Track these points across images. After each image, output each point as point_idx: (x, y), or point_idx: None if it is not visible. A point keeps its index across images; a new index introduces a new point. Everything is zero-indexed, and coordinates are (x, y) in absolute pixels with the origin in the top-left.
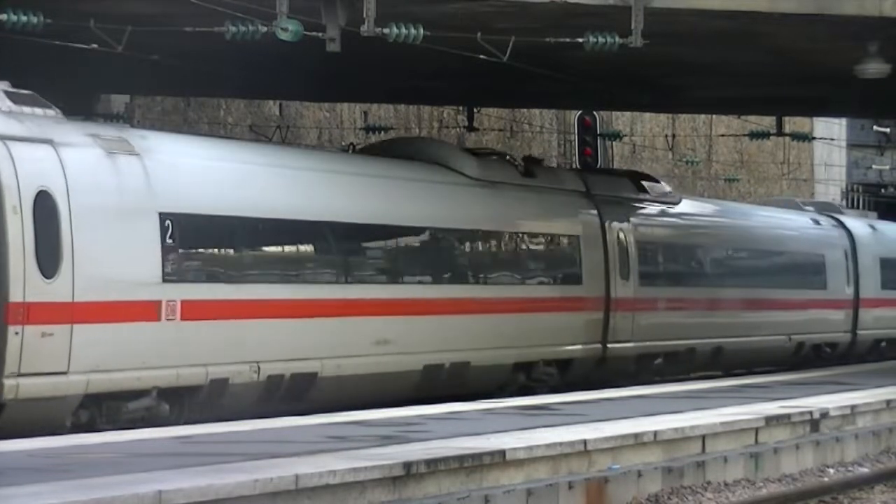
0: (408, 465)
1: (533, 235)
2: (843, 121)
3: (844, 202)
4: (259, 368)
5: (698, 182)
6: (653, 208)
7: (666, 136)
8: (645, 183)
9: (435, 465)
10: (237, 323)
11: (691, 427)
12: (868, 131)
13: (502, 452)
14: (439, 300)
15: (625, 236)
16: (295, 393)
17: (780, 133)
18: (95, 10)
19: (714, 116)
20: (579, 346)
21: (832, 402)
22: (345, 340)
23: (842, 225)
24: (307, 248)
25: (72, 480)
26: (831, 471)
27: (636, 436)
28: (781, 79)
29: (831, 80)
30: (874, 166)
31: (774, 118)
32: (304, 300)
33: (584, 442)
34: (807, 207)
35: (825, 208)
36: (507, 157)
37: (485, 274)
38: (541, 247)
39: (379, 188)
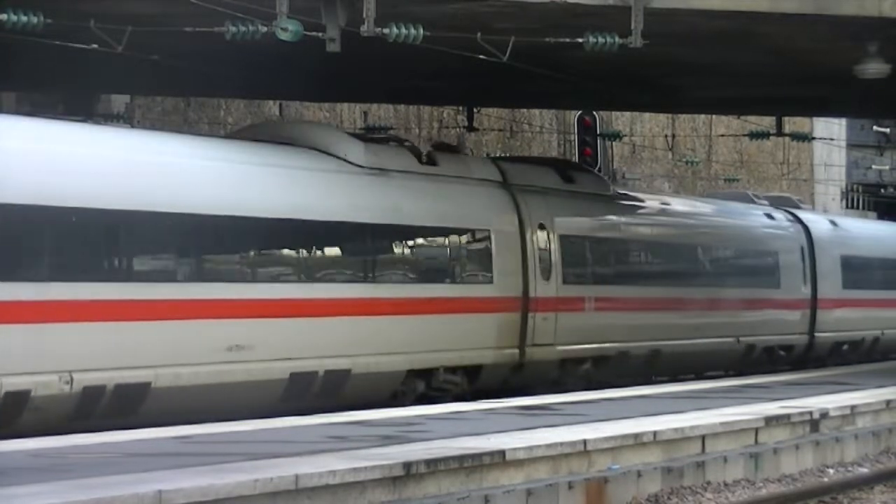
0: (408, 465)
1: (431, 229)
2: (843, 121)
3: (844, 202)
4: (72, 378)
5: (698, 182)
6: (581, 200)
7: (666, 136)
8: (573, 172)
9: (435, 465)
10: (41, 327)
11: (691, 427)
12: (868, 131)
13: (502, 452)
14: (311, 300)
15: (547, 230)
16: (122, 406)
17: (779, 133)
18: (95, 10)
19: (714, 116)
20: (490, 351)
21: (832, 402)
22: (186, 346)
23: (798, 220)
24: (138, 241)
25: (72, 480)
26: (831, 471)
27: (636, 436)
28: (781, 79)
29: (831, 80)
30: (874, 166)
31: (774, 118)
32: (132, 301)
33: (584, 442)
34: (761, 201)
35: (781, 202)
36: (406, 143)
37: (370, 271)
38: (441, 242)
39: (235, 175)
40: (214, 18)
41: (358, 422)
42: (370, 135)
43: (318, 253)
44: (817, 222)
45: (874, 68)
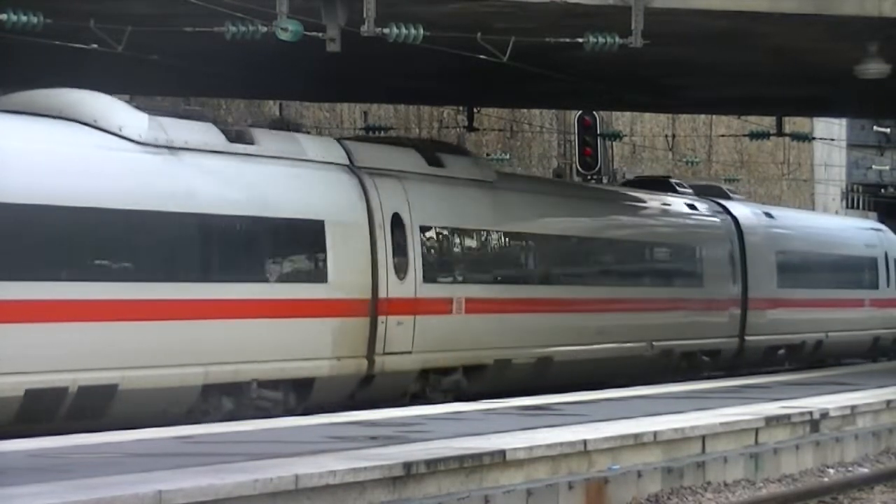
0: (408, 466)
1: (238, 219)
2: (843, 121)
3: (844, 202)
4: None
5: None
6: (451, 186)
7: (666, 136)
8: (442, 155)
9: (435, 466)
10: None
11: (691, 427)
12: (868, 131)
13: (502, 452)
14: (65, 302)
15: (404, 221)
16: None
17: (780, 133)
18: (95, 10)
19: (714, 116)
20: (325, 362)
21: (832, 402)
22: None
23: (726, 211)
24: None
25: (72, 480)
26: (831, 471)
27: (636, 436)
28: (781, 79)
29: (831, 80)
30: (874, 166)
31: (774, 118)
32: None
33: (584, 442)
34: (684, 189)
35: (709, 191)
36: (214, 119)
37: (148, 268)
38: (252, 235)
39: None
40: (214, 18)
41: (358, 422)
42: (180, 108)
43: (81, 247)
44: (749, 214)
45: (874, 68)
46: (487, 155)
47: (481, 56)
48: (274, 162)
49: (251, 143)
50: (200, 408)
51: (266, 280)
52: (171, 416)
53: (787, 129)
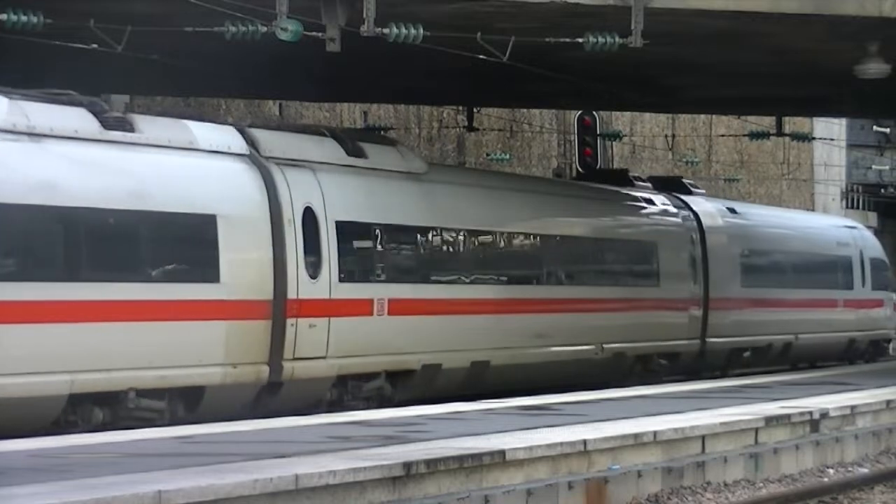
0: (408, 466)
1: (114, 213)
2: (843, 121)
3: (844, 202)
4: None
5: (698, 182)
6: (373, 178)
7: (666, 136)
8: (364, 145)
9: (435, 466)
10: None
11: (691, 427)
12: (868, 131)
13: (502, 452)
14: None
15: (317, 216)
16: None
17: (780, 133)
18: (95, 10)
19: (714, 116)
20: (217, 369)
21: (832, 402)
22: None
23: (687, 206)
24: None
25: (72, 480)
26: (831, 471)
27: (636, 436)
28: (781, 79)
29: (831, 80)
30: (874, 166)
31: (774, 118)
32: None
33: (584, 442)
34: (641, 183)
35: (669, 185)
36: (93, 104)
37: (9, 268)
38: (130, 229)
39: None
40: (214, 18)
41: (358, 422)
42: (46, 91)
43: None
44: (711, 209)
45: (874, 68)
46: (487, 155)
47: (481, 56)
48: (158, 151)
49: (131, 130)
50: (67, 419)
51: (146, 280)
52: (34, 427)
53: (787, 129)
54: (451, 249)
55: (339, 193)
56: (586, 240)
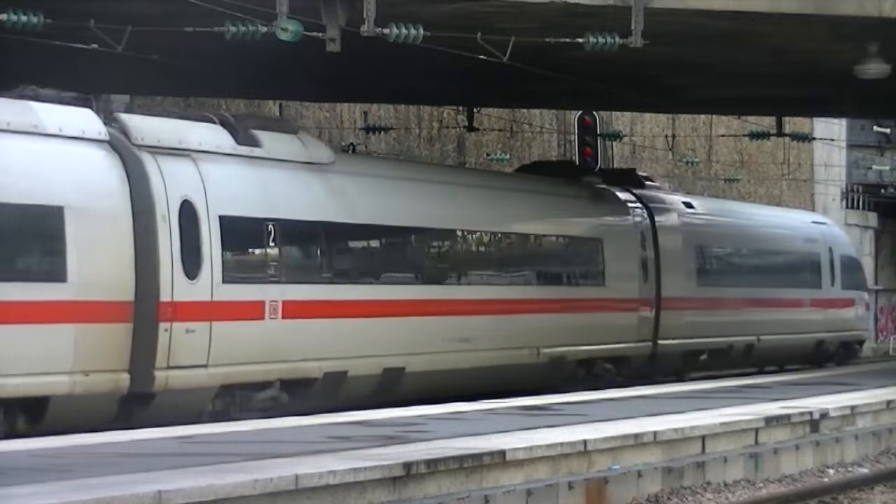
0: (408, 466)
1: None
2: (843, 121)
3: (844, 202)
4: None
5: (698, 182)
6: (271, 170)
7: (666, 136)
8: (259, 133)
9: (435, 466)
10: None
11: (691, 427)
12: (868, 131)
13: (502, 452)
14: None
15: (197, 209)
16: None
17: (780, 133)
18: (95, 10)
19: (714, 116)
20: (62, 377)
21: (832, 402)
22: None
23: (639, 200)
24: None
25: (72, 480)
26: (831, 471)
27: (636, 436)
28: (781, 79)
29: (831, 80)
30: (874, 167)
31: (774, 118)
32: None
33: (584, 442)
34: (589, 176)
35: (621, 178)
36: None
37: None
38: None
39: None
40: (214, 18)
41: (358, 422)
42: None
43: None
44: (664, 204)
45: (874, 68)
46: (487, 155)
47: (481, 56)
48: None
49: None
50: None
51: None
52: None
53: (787, 129)
54: (359, 247)
55: (225, 185)
56: (520, 236)
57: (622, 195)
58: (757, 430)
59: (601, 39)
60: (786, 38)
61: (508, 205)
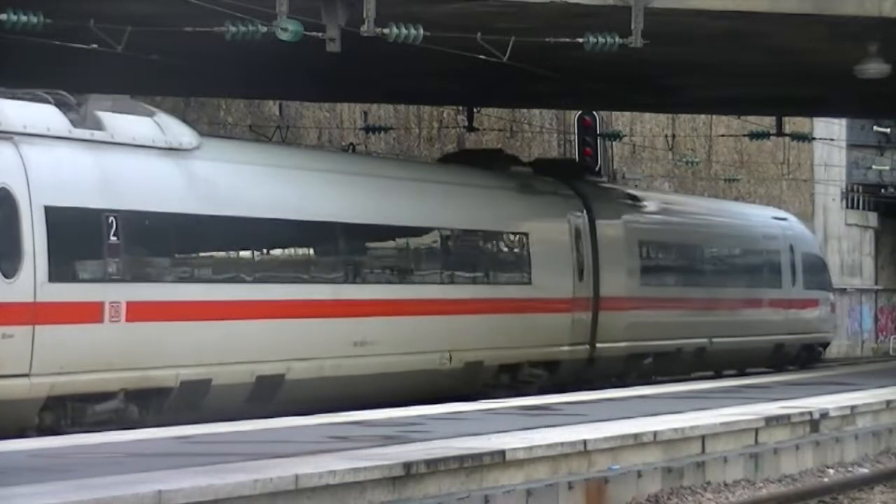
0: (408, 466)
1: None
2: (843, 121)
3: (844, 202)
4: None
5: (698, 182)
6: (116, 155)
7: (666, 136)
8: (104, 114)
9: (435, 466)
10: None
11: (691, 427)
12: (868, 131)
13: (502, 452)
14: None
15: (18, 200)
16: None
17: (780, 133)
18: (95, 10)
19: (714, 116)
20: None
21: (832, 402)
22: None
23: (576, 193)
24: None
25: (72, 480)
26: (831, 471)
27: (636, 436)
28: (781, 79)
29: (831, 80)
30: (874, 166)
31: (774, 118)
32: None
33: (584, 442)
34: (519, 166)
35: (559, 170)
36: None
37: None
38: None
39: None
40: (214, 18)
41: (358, 422)
42: None
43: None
44: (605, 197)
45: (874, 68)
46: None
47: (481, 56)
48: None
49: None
50: None
51: None
52: None
53: (787, 129)
54: (224, 242)
55: (55, 172)
56: (428, 230)
57: (555, 187)
58: (757, 430)
59: (601, 39)
60: (786, 38)
61: (415, 196)
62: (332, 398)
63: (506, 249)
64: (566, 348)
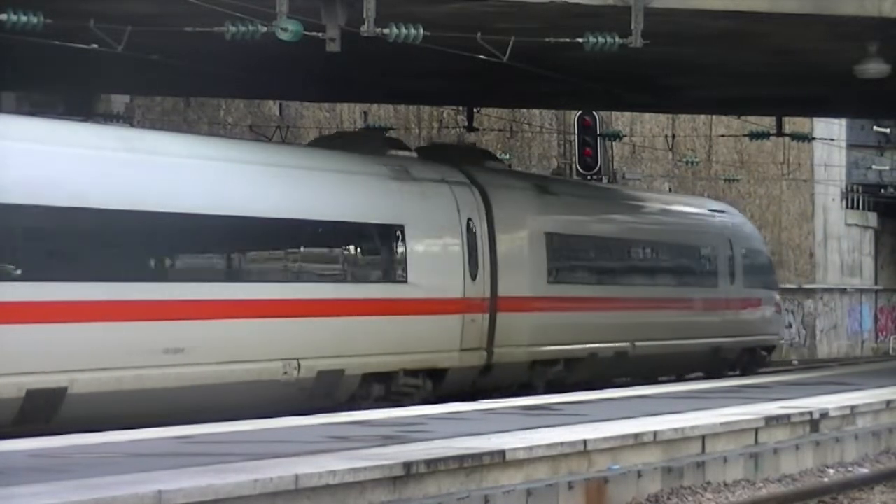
0: (408, 466)
1: None
2: (843, 121)
3: (844, 202)
4: None
5: (698, 182)
6: None
7: (666, 136)
8: None
9: (435, 466)
10: None
11: (691, 427)
12: (868, 131)
13: (502, 452)
14: None
15: None
16: None
17: (780, 133)
18: (95, 10)
19: (714, 116)
20: None
21: (832, 402)
22: None
23: (471, 181)
24: None
25: (72, 480)
26: (831, 471)
27: (636, 436)
28: (781, 79)
29: (831, 80)
30: (874, 166)
31: (774, 118)
32: None
33: (584, 442)
34: (400, 151)
35: (452, 156)
36: None
37: None
38: None
39: None
40: (214, 18)
41: (358, 422)
42: None
43: None
44: (507, 186)
45: (874, 68)
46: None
47: (481, 56)
48: None
49: None
50: None
51: None
52: None
53: (787, 129)
54: (47, 236)
55: None
56: (268, 221)
57: (442, 174)
58: (757, 430)
59: (601, 39)
60: (786, 38)
61: (258, 181)
62: (136, 415)
63: (373, 244)
64: (455, 354)
